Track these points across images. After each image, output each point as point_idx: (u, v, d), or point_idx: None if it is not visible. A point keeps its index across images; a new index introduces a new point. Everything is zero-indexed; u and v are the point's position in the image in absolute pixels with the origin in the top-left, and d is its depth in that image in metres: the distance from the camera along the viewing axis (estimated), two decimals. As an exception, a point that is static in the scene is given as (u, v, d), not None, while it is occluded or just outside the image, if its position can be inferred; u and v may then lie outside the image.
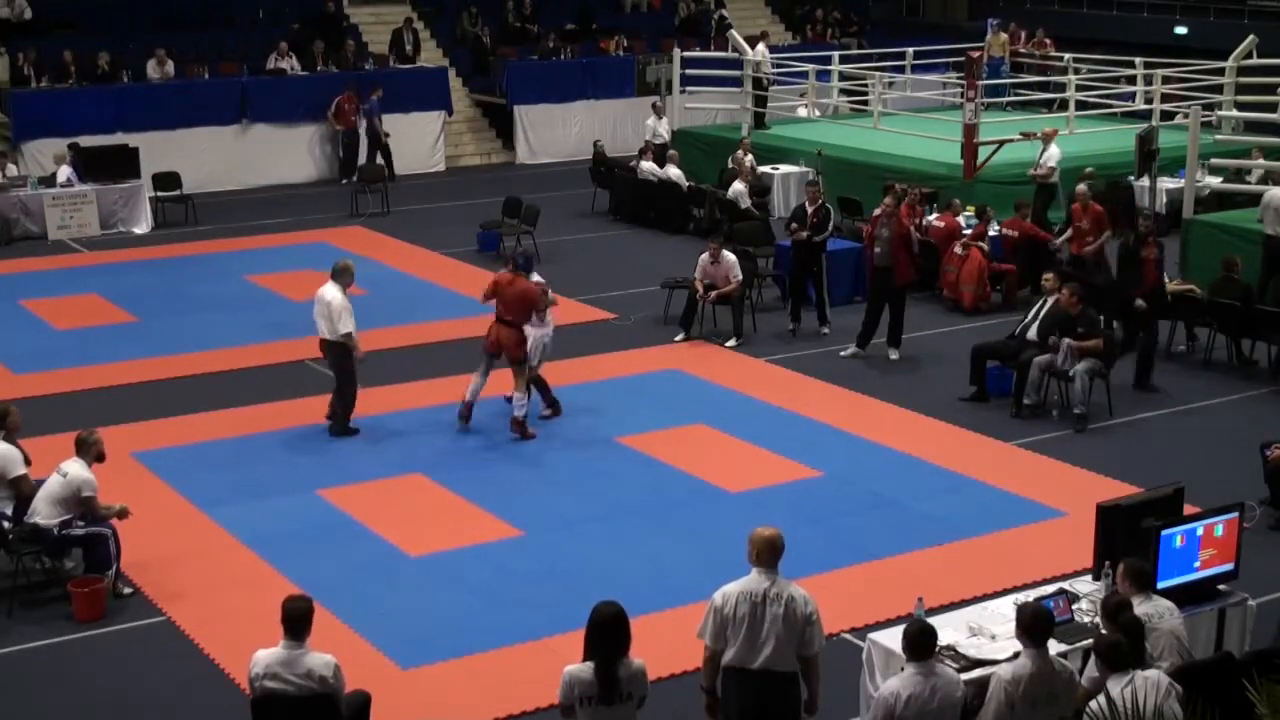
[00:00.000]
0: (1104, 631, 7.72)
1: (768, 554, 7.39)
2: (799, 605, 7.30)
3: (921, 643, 7.17)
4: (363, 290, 18.31)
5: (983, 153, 20.79)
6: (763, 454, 13.02)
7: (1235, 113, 23.83)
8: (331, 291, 13.22)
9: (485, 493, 12.14)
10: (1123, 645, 7.19)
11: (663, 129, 24.79)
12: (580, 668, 6.92)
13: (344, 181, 24.92)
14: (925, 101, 28.30)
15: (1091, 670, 7.48)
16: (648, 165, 22.50)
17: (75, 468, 10.23)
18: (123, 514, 10.37)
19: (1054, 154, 19.97)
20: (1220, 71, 24.85)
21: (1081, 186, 17.31)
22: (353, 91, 25.38)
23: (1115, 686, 6.99)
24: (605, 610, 6.94)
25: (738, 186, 20.51)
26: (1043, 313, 14.12)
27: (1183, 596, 8.39)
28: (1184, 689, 7.12)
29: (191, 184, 23.23)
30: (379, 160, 25.42)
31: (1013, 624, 7.53)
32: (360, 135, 25.47)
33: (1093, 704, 6.92)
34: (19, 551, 10.19)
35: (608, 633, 6.90)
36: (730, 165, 22.13)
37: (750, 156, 22.24)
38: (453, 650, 9.58)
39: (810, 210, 16.47)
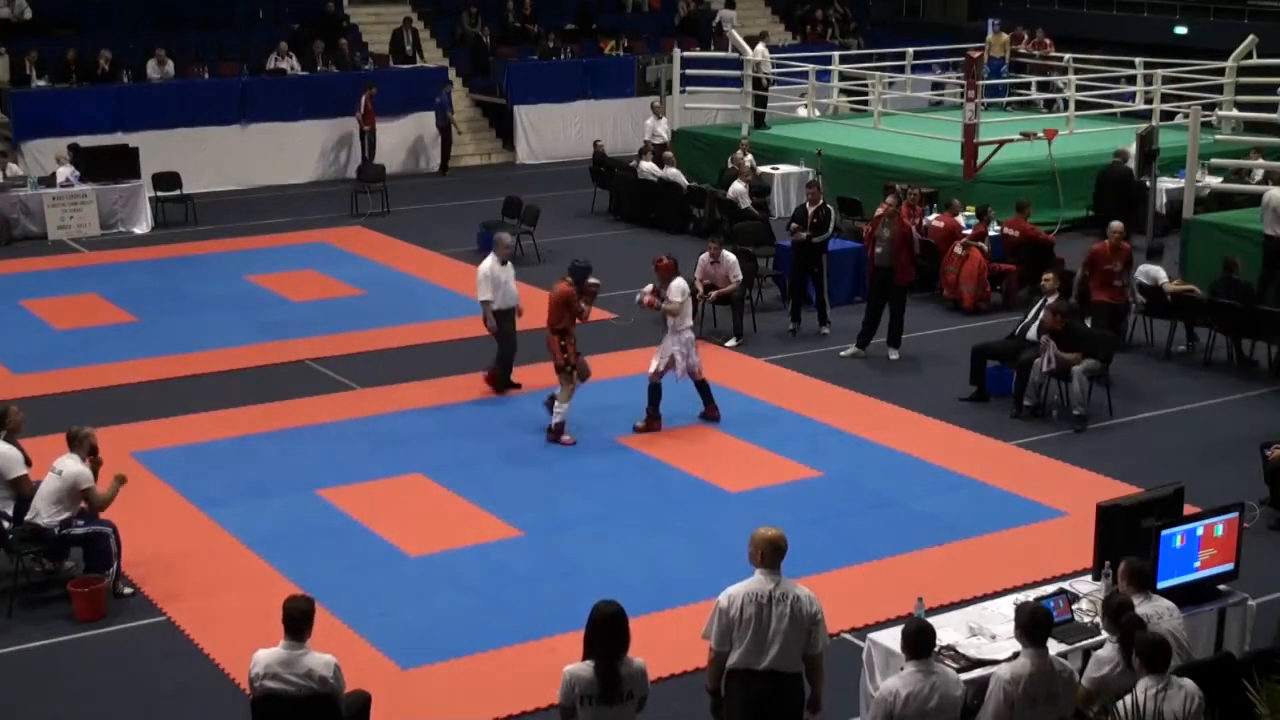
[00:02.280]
0: (1104, 631, 7.72)
1: (770, 555, 7.38)
2: (805, 605, 7.30)
3: (919, 642, 7.17)
4: (361, 290, 18.49)
5: (983, 153, 20.79)
6: (763, 454, 13.03)
7: (1235, 113, 23.83)
8: (485, 261, 14.21)
9: (485, 493, 12.14)
10: (1167, 647, 7.12)
11: (661, 129, 24.79)
12: (580, 666, 6.91)
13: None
14: (925, 101, 28.30)
15: (1092, 670, 7.48)
16: (648, 165, 22.51)
17: (69, 463, 10.22)
18: (121, 480, 10.37)
19: None
20: (1220, 71, 24.85)
21: (1118, 224, 15.70)
22: (375, 90, 25.38)
23: (1147, 688, 6.91)
24: (605, 609, 6.93)
25: (738, 186, 20.51)
26: (1042, 313, 14.12)
27: (1183, 596, 8.38)
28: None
29: (191, 184, 23.24)
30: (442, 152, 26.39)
31: (1012, 624, 7.53)
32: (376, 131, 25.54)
33: (1120, 704, 6.82)
34: (19, 551, 10.19)
35: (608, 631, 6.88)
36: (730, 165, 22.13)
37: (750, 156, 22.25)
38: (453, 650, 9.58)
39: (810, 211, 16.47)
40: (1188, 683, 7.09)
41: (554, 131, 28.06)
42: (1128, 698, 6.85)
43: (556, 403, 13.28)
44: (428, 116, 26.68)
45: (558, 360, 13.21)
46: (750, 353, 15.95)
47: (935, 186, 20.38)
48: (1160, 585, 8.27)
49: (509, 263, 14.37)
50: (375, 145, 25.52)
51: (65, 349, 16.15)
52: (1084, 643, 8.15)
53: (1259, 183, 19.62)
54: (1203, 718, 6.94)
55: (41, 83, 24.39)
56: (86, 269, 19.82)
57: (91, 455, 10.41)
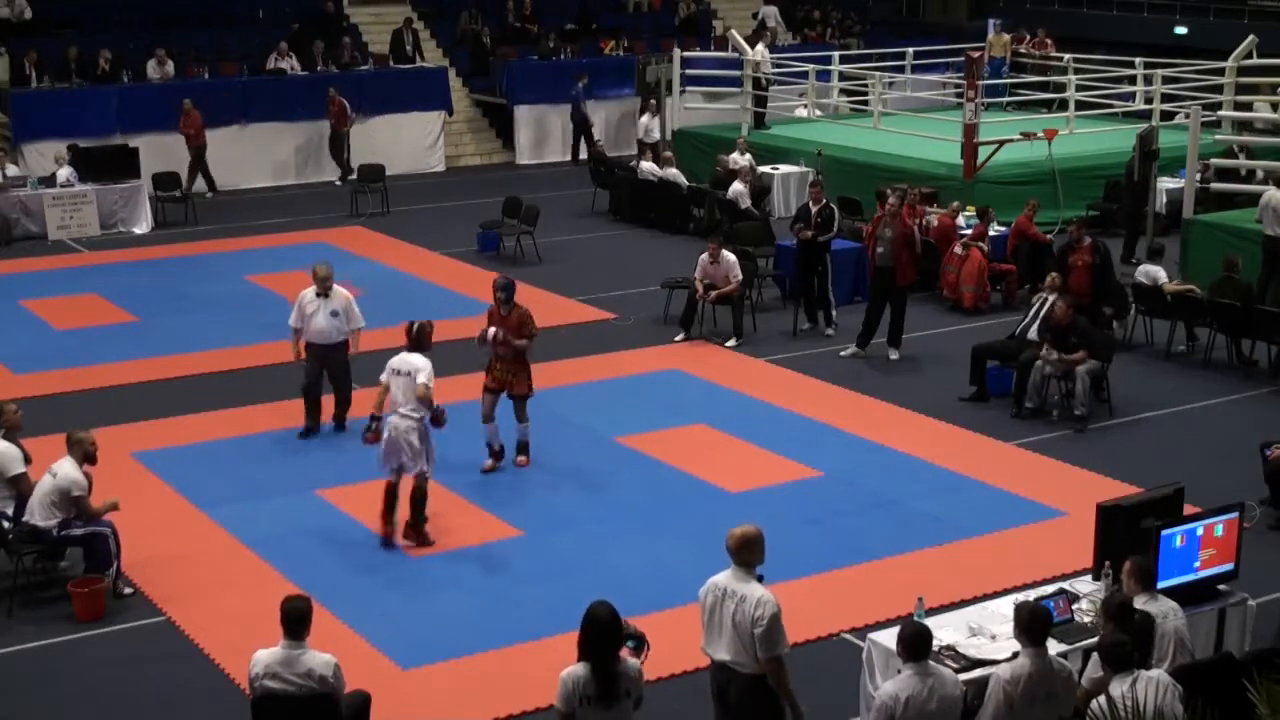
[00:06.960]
0: (1103, 631, 7.72)
1: (736, 551, 7.35)
2: (748, 608, 7.21)
3: (917, 644, 7.17)
4: (361, 290, 18.44)
5: (983, 153, 20.79)
6: (763, 454, 13.02)
7: (1235, 112, 23.83)
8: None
9: (485, 493, 12.14)
10: (1125, 645, 7.19)
11: (655, 126, 24.79)
12: (577, 668, 6.90)
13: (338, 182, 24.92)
14: (925, 101, 28.30)
15: (1092, 670, 7.49)
16: (648, 165, 22.52)
17: (65, 467, 10.18)
18: (114, 506, 10.34)
19: None
20: (1220, 71, 24.85)
21: None
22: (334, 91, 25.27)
23: (1118, 686, 6.99)
24: (603, 610, 6.91)
25: (738, 186, 20.51)
26: (1042, 312, 14.13)
27: (1183, 596, 8.38)
28: (1184, 689, 7.13)
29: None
30: (583, 144, 26.44)
31: (1012, 624, 7.54)
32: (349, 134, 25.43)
33: (1094, 704, 6.93)
34: (19, 551, 10.19)
35: (604, 633, 6.88)
36: (717, 168, 22.14)
37: (749, 156, 22.26)
38: (453, 650, 9.58)
39: (814, 210, 16.45)
40: (1156, 673, 7.17)
41: (554, 131, 28.05)
42: (1101, 698, 6.89)
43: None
44: (427, 117, 26.70)
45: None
46: (750, 353, 15.95)
47: (935, 186, 20.38)
48: (1160, 585, 8.26)
49: (329, 296, 13.28)
50: (350, 148, 25.16)
51: (65, 349, 16.14)
52: (1084, 643, 8.14)
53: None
54: (1180, 704, 6.96)
55: (42, 83, 24.37)
56: (86, 269, 19.82)
57: (89, 461, 10.34)
